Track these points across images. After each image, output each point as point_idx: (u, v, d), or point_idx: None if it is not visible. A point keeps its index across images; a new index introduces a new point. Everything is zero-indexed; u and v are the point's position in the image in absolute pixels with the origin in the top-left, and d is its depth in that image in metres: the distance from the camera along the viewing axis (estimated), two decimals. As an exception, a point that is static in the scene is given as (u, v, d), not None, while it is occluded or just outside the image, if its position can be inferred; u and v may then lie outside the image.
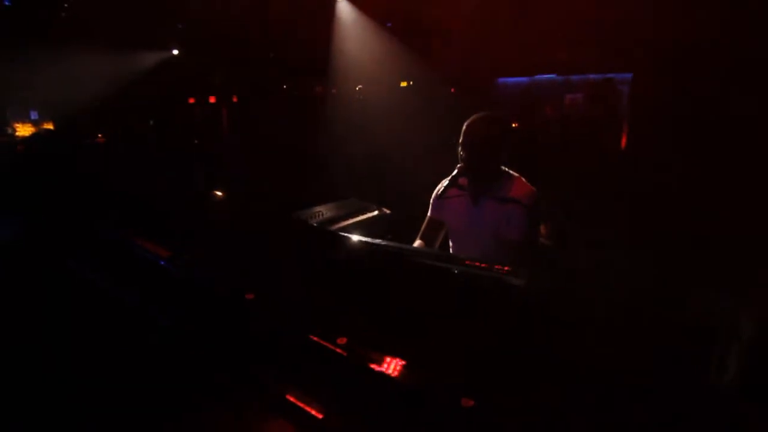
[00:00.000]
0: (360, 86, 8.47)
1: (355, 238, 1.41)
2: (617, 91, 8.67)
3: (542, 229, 2.45)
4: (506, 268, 1.59)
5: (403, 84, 10.61)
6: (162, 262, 1.05)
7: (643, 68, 7.77)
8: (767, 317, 1.34)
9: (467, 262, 1.73)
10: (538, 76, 10.31)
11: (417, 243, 2.21)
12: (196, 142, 11.34)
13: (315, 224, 2.61)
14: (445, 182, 2.16)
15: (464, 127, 2.04)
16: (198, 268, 1.06)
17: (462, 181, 2.12)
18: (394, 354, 0.73)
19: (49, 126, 11.56)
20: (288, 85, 11.87)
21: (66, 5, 8.64)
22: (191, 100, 13.02)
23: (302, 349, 0.78)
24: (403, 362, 0.72)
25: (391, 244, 1.49)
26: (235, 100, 12.96)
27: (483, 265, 1.61)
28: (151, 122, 12.31)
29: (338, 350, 0.74)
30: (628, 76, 8.53)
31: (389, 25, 8.81)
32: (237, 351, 0.83)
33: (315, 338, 0.76)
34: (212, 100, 13.12)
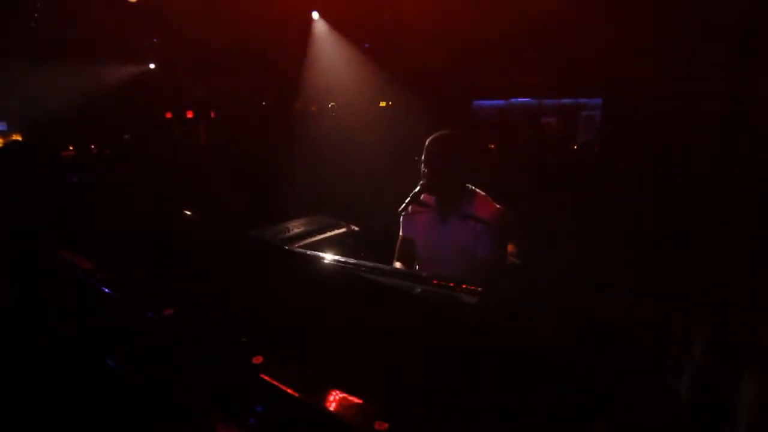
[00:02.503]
0: (333, 103, 8.52)
1: (301, 252, 1.37)
2: (580, 116, 9.00)
3: (510, 247, 2.45)
4: (468, 287, 1.56)
5: (383, 104, 10.72)
6: (82, 275, 0.99)
7: (612, 94, 8.05)
8: (717, 327, 1.35)
9: (433, 281, 1.70)
10: (513, 99, 10.57)
11: (397, 266, 2.20)
12: (170, 156, 11.16)
13: (280, 240, 2.56)
14: (407, 199, 2.15)
15: (426, 144, 2.04)
16: (117, 282, 1.00)
17: (425, 198, 2.11)
18: (311, 375, 0.69)
19: (18, 138, 11.24)
20: (266, 102, 11.86)
21: (36, 15, 8.49)
22: (168, 115, 12.86)
23: (210, 366, 0.73)
24: (317, 382, 0.69)
25: (338, 258, 1.45)
26: (213, 115, 12.86)
27: (446, 283, 1.58)
28: (126, 136, 12.10)
29: (251, 370, 0.69)
30: (599, 101, 8.83)
31: (367, 46, 8.93)
32: (142, 365, 0.77)
33: (224, 354, 0.71)
34: (190, 115, 12.98)
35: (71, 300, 0.97)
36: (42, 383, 0.92)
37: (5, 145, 10.51)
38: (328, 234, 2.95)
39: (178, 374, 0.77)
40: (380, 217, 2.76)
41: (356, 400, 0.68)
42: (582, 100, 9.55)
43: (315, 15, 9.00)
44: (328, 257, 1.60)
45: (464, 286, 1.45)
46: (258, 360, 0.70)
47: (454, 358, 0.91)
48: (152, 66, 11.36)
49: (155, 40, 10.53)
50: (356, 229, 3.13)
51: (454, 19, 7.90)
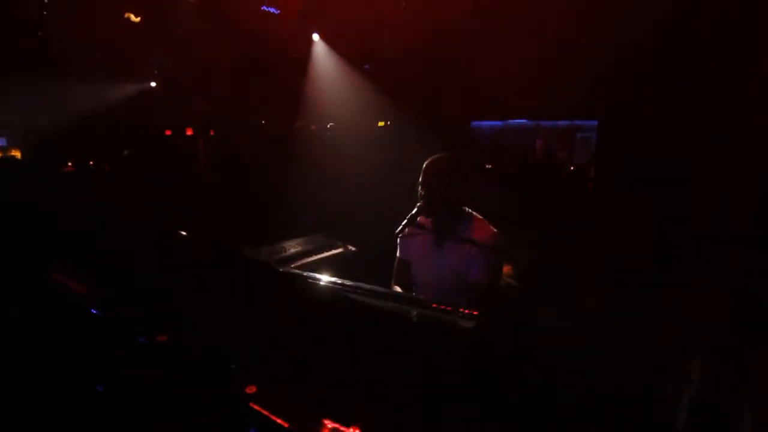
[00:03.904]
0: (331, 124, 8.61)
1: (297, 273, 1.37)
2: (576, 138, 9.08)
3: (506, 269, 2.45)
4: (465, 311, 1.56)
5: (381, 124, 10.82)
6: (75, 300, 0.98)
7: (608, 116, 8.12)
8: (715, 361, 1.34)
9: (430, 305, 1.70)
10: (510, 121, 10.68)
11: (395, 288, 2.20)
12: (168, 175, 11.17)
13: (277, 260, 2.55)
14: (405, 221, 2.16)
15: (424, 167, 2.06)
16: (110, 306, 0.99)
17: (422, 220, 2.12)
18: (303, 403, 0.68)
19: (17, 153, 11.25)
20: (266, 121, 11.95)
21: (39, 33, 8.60)
22: (168, 132, 12.91)
23: (200, 394, 0.72)
24: (309, 411, 0.67)
25: (334, 280, 1.45)
26: (212, 133, 12.91)
27: (443, 307, 1.58)
28: (126, 152, 12.12)
29: (242, 399, 0.68)
30: (594, 123, 8.91)
31: (366, 67, 9.06)
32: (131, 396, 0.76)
33: (214, 382, 0.70)
34: (189, 132, 13.03)
35: (62, 324, 0.96)
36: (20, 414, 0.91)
37: (2, 160, 10.51)
38: (325, 254, 2.95)
39: (169, 401, 0.76)
40: (377, 237, 2.76)
41: (348, 431, 0.67)
42: (578, 122, 9.65)
43: (315, 37, 9.16)
44: (325, 279, 1.59)
45: (461, 310, 1.45)
46: (251, 390, 0.69)
47: (451, 385, 0.90)
48: (153, 84, 11.47)
49: (156, 59, 10.67)
50: (353, 249, 3.12)
51: (453, 40, 8.04)
